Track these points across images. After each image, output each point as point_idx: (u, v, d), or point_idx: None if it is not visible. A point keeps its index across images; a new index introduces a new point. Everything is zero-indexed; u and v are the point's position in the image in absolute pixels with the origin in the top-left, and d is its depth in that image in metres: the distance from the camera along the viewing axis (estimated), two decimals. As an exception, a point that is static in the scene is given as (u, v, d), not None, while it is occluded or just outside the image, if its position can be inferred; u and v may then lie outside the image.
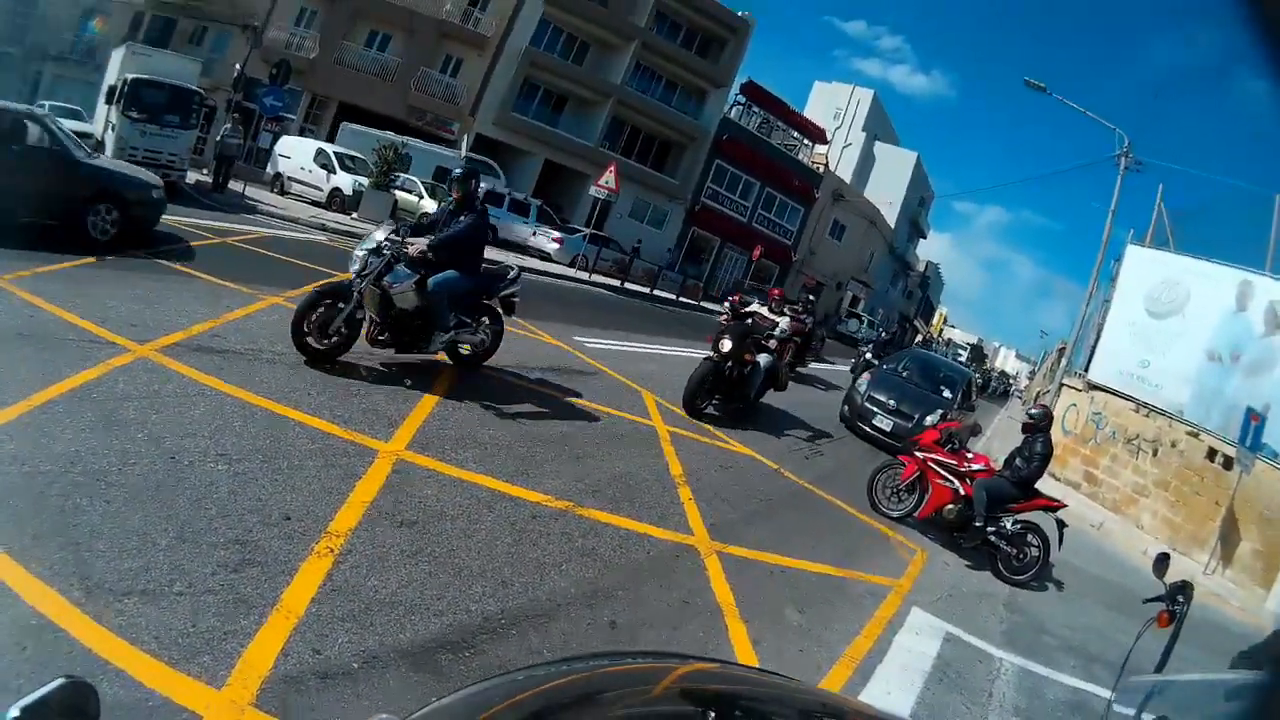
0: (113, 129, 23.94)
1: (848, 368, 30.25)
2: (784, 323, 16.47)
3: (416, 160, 37.25)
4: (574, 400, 12.55)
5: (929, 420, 17.28)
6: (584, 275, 34.71)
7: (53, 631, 4.16)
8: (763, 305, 17.49)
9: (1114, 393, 24.54)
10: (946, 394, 20.36)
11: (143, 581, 4.78)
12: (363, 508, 6.62)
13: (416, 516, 6.83)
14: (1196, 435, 21.23)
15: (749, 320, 15.86)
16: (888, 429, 18.18)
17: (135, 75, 24.41)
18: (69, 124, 28.36)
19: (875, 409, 18.70)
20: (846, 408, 19.85)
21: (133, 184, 15.36)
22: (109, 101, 24.57)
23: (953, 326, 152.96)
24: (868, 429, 18.60)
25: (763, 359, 15.26)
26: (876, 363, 24.35)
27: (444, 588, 5.87)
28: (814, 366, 27.53)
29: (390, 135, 38.28)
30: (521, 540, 7.10)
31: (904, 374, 21.15)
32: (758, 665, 6.17)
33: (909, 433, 16.67)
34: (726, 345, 14.27)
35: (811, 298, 29.60)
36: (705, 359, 14.52)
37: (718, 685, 1.78)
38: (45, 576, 4.55)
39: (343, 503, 6.59)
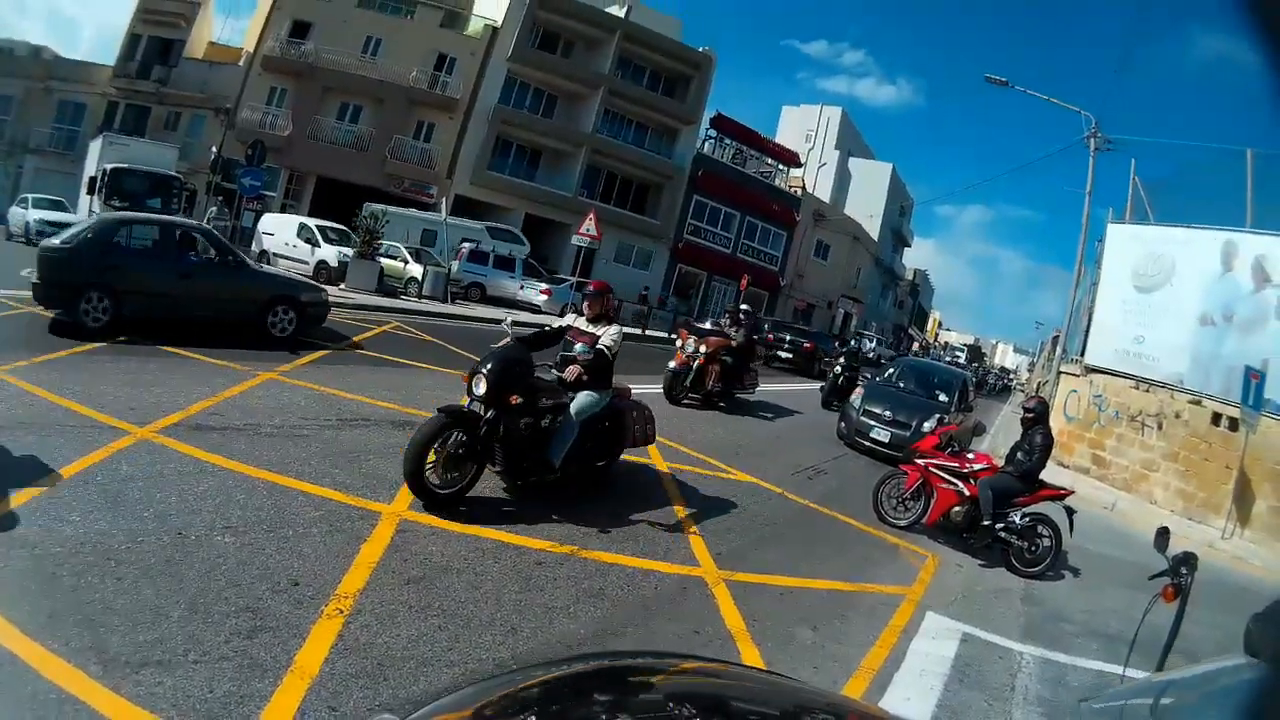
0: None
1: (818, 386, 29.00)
2: (609, 336, 10.18)
3: (448, 234, 37.80)
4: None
5: (927, 426, 17.29)
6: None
7: (73, 705, 4.24)
8: (580, 316, 10.84)
9: (1112, 373, 24.75)
10: (943, 398, 20.34)
11: (158, 652, 4.86)
12: (369, 568, 6.71)
13: (423, 573, 6.91)
14: (1199, 402, 21.44)
15: (559, 337, 10.59)
16: (886, 440, 18.08)
17: (114, 165, 24.60)
18: (52, 215, 28.72)
19: (871, 421, 18.60)
20: (843, 424, 19.68)
21: (304, 289, 17.79)
22: (90, 192, 24.75)
23: (948, 330, 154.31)
24: (866, 442, 18.47)
25: (579, 401, 9.87)
26: (866, 378, 23.96)
27: (454, 639, 5.94)
28: (787, 386, 27.43)
29: (414, 213, 38.63)
30: (528, 587, 7.17)
31: (898, 384, 21.21)
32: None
33: (908, 441, 16.70)
34: (481, 386, 8.93)
35: (746, 307, 25.91)
36: (438, 410, 8.77)
37: (717, 683, 1.83)
38: (63, 653, 4.64)
39: (349, 565, 6.68)
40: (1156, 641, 4.92)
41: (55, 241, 14.92)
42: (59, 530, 6.17)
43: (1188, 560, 4.93)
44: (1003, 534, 11.87)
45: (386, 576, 6.67)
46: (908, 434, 17.60)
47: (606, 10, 54.23)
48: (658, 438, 12.71)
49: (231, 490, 7.74)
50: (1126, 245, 25.65)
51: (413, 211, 40.47)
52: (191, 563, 6.10)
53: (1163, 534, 5.41)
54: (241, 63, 46.70)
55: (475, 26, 50.51)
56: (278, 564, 6.42)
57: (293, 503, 7.81)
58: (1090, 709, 4.46)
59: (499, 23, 49.58)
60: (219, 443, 9.08)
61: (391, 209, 38.80)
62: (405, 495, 8.69)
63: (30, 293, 14.45)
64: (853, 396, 20.37)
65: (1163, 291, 23.65)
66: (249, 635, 5.29)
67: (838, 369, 25.97)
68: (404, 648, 5.65)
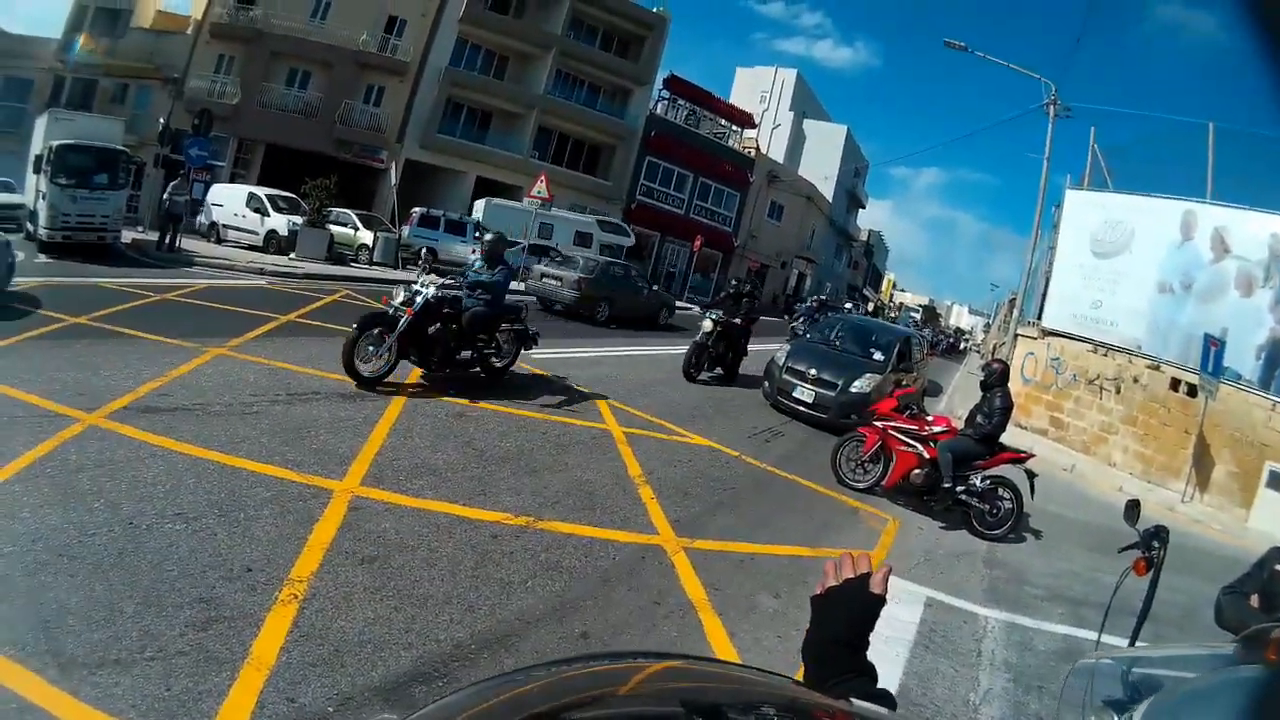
0: (43, 198, 23.66)
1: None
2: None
3: (557, 229, 41.54)
4: (524, 414, 12.61)
5: (857, 386, 17.04)
6: (523, 286, 34.89)
7: (33, 712, 4.20)
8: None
9: (1069, 336, 25.13)
10: (878, 356, 19.06)
11: (114, 651, 4.81)
12: (322, 550, 6.65)
13: (377, 552, 6.86)
14: (1158, 368, 21.95)
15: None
16: (809, 400, 17.32)
17: (61, 141, 24.15)
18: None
19: (795, 380, 17.73)
20: (767, 383, 18.84)
21: (672, 301, 32.95)
22: (37, 170, 24.27)
23: (903, 290, 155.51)
24: (788, 402, 17.69)
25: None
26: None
27: (411, 620, 5.90)
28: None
29: (527, 205, 39.20)
30: (484, 562, 7.14)
31: (832, 340, 20.29)
32: (744, 661, 6.21)
33: (834, 401, 16.62)
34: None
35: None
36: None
37: (720, 685, 1.81)
38: (19, 658, 4.59)
39: (302, 547, 6.63)
40: (1123, 608, 4.96)
41: (578, 275, 27.70)
42: (11, 528, 6.07)
43: (1159, 534, 4.92)
44: (963, 497, 11.98)
45: (340, 557, 6.62)
46: (833, 394, 17.08)
47: (561, -30, 53.48)
48: (615, 404, 12.86)
49: (181, 474, 7.64)
50: (1085, 211, 26.02)
51: (524, 204, 40.78)
52: (143, 554, 6.02)
53: (1133, 506, 5.39)
54: (189, 30, 45.52)
55: (427, -13, 49.59)
56: (229, 550, 6.35)
57: (243, 484, 7.73)
58: (1087, 667, 4.47)
59: (450, -16, 48.82)
60: (168, 424, 8.97)
61: (510, 204, 41.97)
62: (357, 471, 8.67)
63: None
64: (777, 353, 19.35)
65: (1121, 258, 24.14)
66: (203, 627, 5.24)
67: (707, 327, 20.42)
68: (360, 631, 5.61)
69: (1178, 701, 3.54)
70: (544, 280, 29.08)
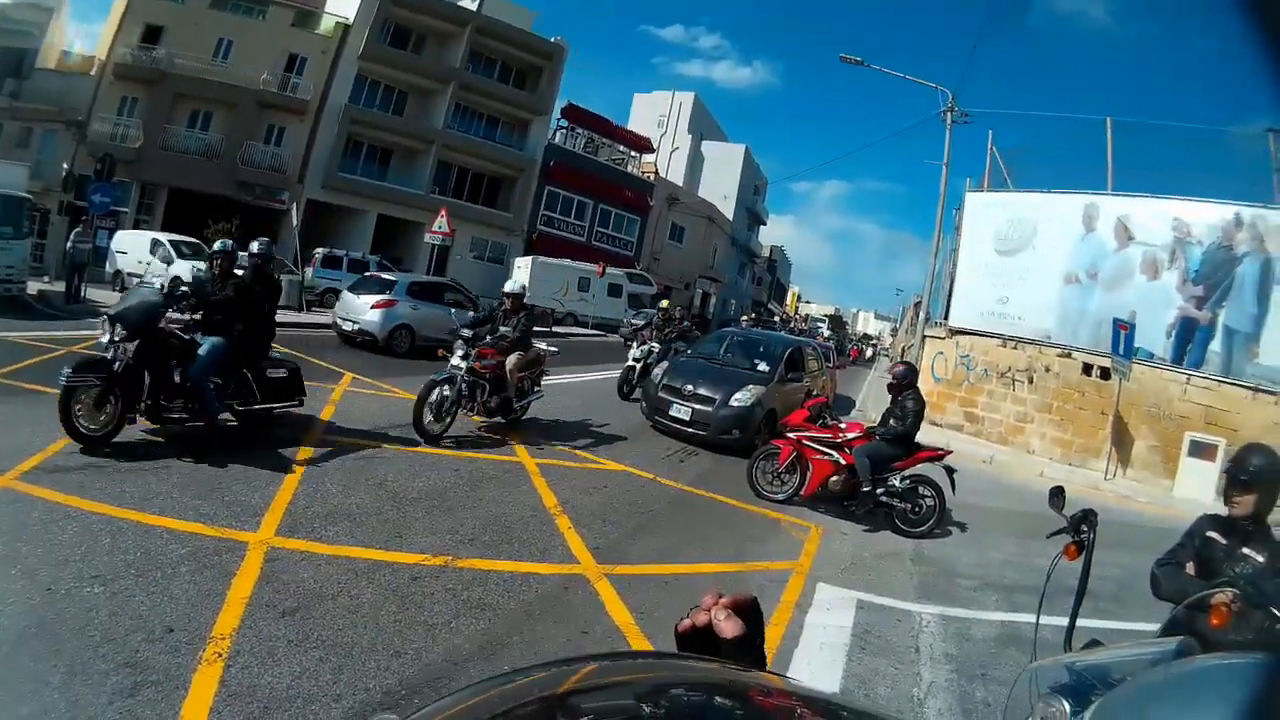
0: (-54, 248, 22.97)
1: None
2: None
3: (594, 282, 47.33)
4: (435, 452, 12.64)
5: (737, 399, 16.63)
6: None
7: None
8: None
9: (977, 333, 26.07)
10: (763, 367, 18.61)
11: None
12: (242, 605, 6.59)
13: (297, 603, 6.81)
14: (1069, 355, 23.05)
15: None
16: (686, 418, 16.76)
17: (-39, 189, 23.65)
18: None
19: (671, 398, 17.17)
20: (644, 402, 18.47)
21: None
22: (-61, 221, 23.71)
23: (808, 302, 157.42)
24: (665, 420, 17.13)
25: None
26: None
27: (338, 670, 5.87)
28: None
29: (568, 263, 46.38)
30: (406, 605, 7.12)
31: (716, 355, 19.78)
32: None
33: (712, 417, 16.36)
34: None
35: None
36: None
37: (719, 683, 1.83)
38: (-55, 741, 4.47)
39: (222, 603, 6.55)
40: (1057, 588, 5.08)
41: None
42: (-75, 602, 5.94)
43: (1088, 517, 5.03)
44: (884, 498, 12.26)
45: (261, 611, 6.57)
46: (711, 409, 16.59)
47: (459, 4, 54.14)
48: (523, 431, 12.90)
49: (96, 535, 7.52)
50: (986, 212, 27.02)
51: (566, 262, 46.56)
52: (64, 620, 5.94)
53: (1057, 493, 5.51)
54: (94, 72, 45.10)
55: (327, 25, 49.81)
56: (150, 611, 6.27)
57: (158, 542, 7.61)
58: (1040, 670, 4.56)
59: (350, 20, 49.10)
60: (80, 483, 8.84)
61: (558, 261, 47.39)
62: (271, 521, 8.61)
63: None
64: (655, 371, 19.13)
65: (1025, 254, 25.15)
66: (131, 693, 5.17)
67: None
68: (288, 686, 5.58)
69: (1129, 699, 3.64)
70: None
